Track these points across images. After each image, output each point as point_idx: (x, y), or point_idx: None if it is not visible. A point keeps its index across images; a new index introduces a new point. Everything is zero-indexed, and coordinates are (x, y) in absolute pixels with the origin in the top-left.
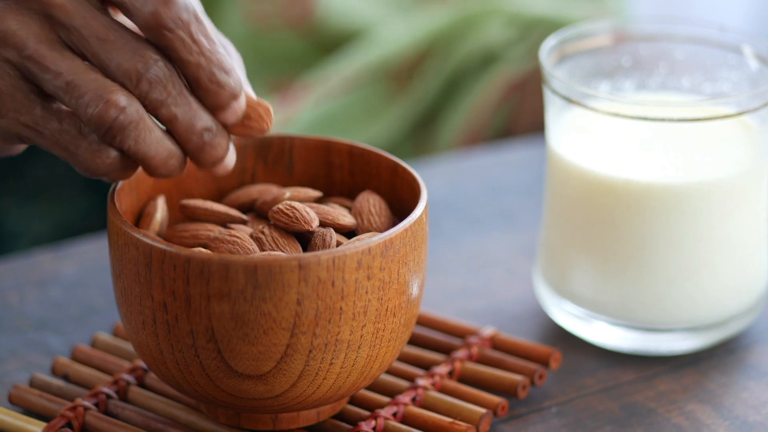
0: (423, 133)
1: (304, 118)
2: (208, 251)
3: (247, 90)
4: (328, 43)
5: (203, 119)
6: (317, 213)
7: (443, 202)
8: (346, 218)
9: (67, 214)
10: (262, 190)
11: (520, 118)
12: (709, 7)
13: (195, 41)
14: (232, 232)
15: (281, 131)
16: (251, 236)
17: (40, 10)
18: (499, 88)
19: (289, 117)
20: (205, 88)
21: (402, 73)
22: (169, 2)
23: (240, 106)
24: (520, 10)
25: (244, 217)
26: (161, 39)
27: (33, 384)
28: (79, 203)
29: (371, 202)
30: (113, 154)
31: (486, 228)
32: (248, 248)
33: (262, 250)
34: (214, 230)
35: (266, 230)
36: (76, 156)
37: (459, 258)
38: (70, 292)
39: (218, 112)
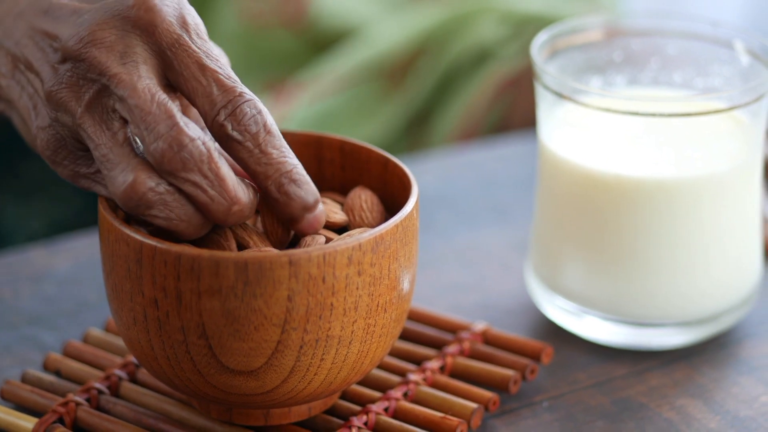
0: (417, 132)
1: (299, 117)
2: (198, 248)
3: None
4: (321, 41)
5: (239, 202)
6: None
7: (436, 197)
8: (338, 215)
9: (62, 212)
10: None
11: (514, 115)
12: (701, 2)
13: (263, 152)
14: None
15: None
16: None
17: (96, 79)
18: (493, 85)
19: (283, 116)
20: (274, 198)
21: (396, 71)
22: (236, 113)
23: (315, 217)
24: (513, 7)
25: None
26: (225, 147)
27: (25, 379)
28: (74, 202)
29: (363, 198)
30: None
31: (479, 223)
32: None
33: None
34: None
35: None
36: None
37: (452, 253)
38: (63, 287)
39: (292, 224)
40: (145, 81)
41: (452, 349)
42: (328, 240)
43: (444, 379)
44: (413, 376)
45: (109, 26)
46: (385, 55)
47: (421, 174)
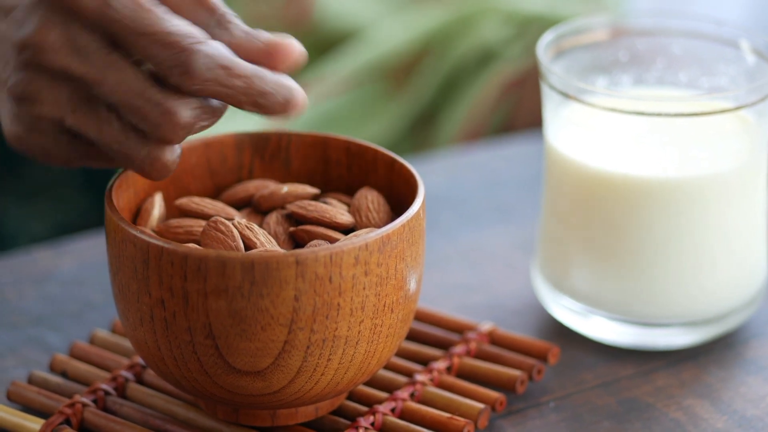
0: (422, 133)
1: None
2: (206, 248)
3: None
4: (325, 43)
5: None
6: (315, 210)
7: (441, 197)
8: (344, 216)
9: (66, 214)
10: (259, 186)
11: (519, 116)
12: (705, 1)
13: (231, 87)
14: (218, 225)
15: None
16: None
17: (63, 77)
18: (497, 86)
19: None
20: (264, 113)
21: (400, 72)
22: (192, 72)
23: (294, 103)
24: (516, 8)
25: (236, 214)
26: (203, 96)
27: (31, 381)
28: (78, 203)
29: (369, 199)
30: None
31: (484, 223)
32: (233, 236)
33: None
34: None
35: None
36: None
37: (457, 253)
38: (69, 288)
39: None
40: (114, 72)
41: (459, 349)
42: (334, 240)
43: (451, 379)
44: (420, 377)
45: (49, 27)
46: (389, 56)
47: (426, 174)
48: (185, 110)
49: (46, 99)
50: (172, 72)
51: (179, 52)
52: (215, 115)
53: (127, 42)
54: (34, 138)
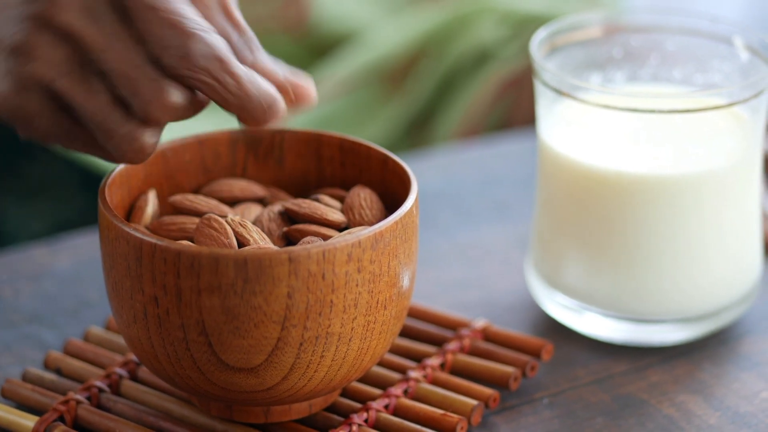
0: (419, 134)
1: (299, 121)
2: (198, 245)
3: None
4: (322, 46)
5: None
6: (307, 207)
7: (438, 194)
8: (336, 215)
9: (65, 213)
10: (244, 188)
11: (516, 115)
12: None
13: (220, 82)
14: (212, 222)
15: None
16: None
17: (66, 37)
18: (494, 86)
19: (284, 120)
20: (241, 118)
21: (396, 74)
22: (189, 55)
23: (274, 113)
24: (512, 8)
25: (229, 212)
26: (190, 83)
27: (25, 378)
28: (77, 202)
29: (362, 197)
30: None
31: (481, 220)
32: (226, 232)
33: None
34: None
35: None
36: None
37: (453, 250)
38: (64, 286)
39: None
40: (119, 42)
41: (452, 346)
42: (327, 238)
43: (444, 376)
44: (413, 374)
45: None
46: (386, 57)
47: (422, 171)
48: (177, 92)
49: (41, 55)
50: (169, 52)
51: (181, 33)
52: (197, 108)
53: (136, 14)
54: (20, 100)
